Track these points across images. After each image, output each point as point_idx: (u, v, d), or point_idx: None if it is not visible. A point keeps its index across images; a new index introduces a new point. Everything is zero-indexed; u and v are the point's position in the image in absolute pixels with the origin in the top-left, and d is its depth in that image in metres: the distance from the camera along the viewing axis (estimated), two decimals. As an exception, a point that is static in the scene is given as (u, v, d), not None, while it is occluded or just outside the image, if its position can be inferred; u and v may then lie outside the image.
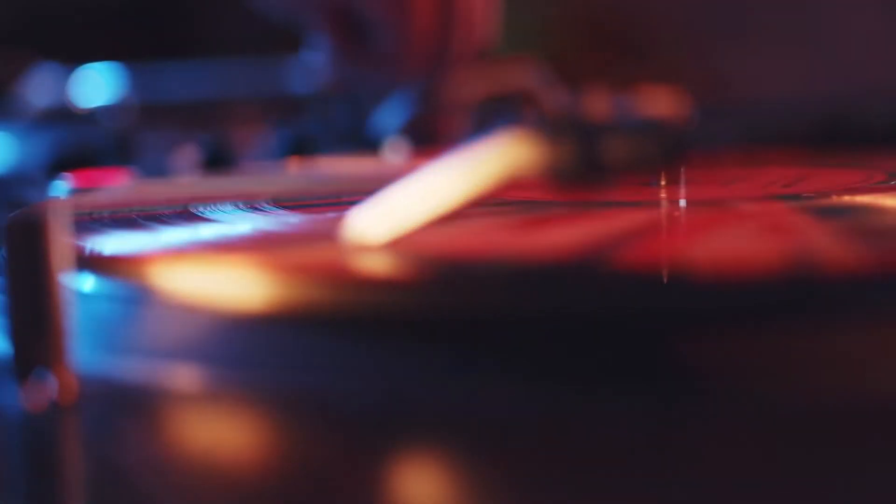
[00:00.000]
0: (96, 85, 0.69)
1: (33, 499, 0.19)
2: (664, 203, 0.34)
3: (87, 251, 0.27)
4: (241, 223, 0.32)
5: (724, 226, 0.30)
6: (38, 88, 0.68)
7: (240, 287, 0.23)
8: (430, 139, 0.57)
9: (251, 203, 0.34)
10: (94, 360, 0.24)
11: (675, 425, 0.21)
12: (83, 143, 0.50)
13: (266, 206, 0.34)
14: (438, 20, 0.63)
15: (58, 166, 0.46)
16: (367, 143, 0.57)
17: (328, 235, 0.27)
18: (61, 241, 0.23)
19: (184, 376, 0.23)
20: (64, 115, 0.70)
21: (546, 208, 0.32)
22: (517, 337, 0.22)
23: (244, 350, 0.23)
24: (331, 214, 0.31)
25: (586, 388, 0.22)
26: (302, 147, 0.54)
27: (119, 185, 0.42)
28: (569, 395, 0.22)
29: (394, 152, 0.56)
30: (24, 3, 1.11)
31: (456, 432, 0.21)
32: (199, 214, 0.33)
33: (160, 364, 0.24)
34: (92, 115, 0.69)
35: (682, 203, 0.34)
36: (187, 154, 0.52)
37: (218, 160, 0.50)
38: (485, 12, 0.65)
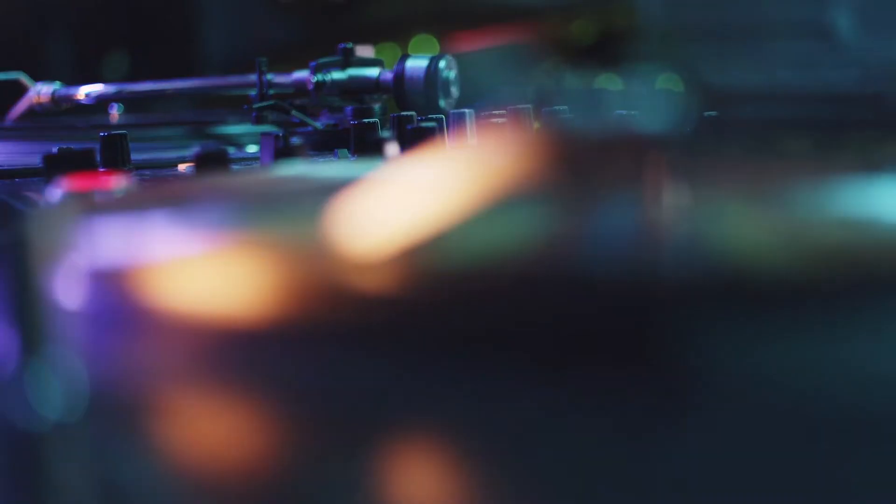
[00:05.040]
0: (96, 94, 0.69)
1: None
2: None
3: (85, 257, 0.27)
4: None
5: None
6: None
7: (234, 296, 0.23)
8: None
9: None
10: (90, 370, 0.24)
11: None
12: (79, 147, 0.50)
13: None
14: None
15: (54, 169, 0.46)
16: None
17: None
18: (57, 247, 0.23)
19: (181, 385, 0.23)
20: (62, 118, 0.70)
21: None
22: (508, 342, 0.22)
23: (239, 358, 0.23)
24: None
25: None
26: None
27: (113, 188, 0.42)
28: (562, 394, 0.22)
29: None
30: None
31: (453, 434, 0.21)
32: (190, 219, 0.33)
33: (156, 373, 0.24)
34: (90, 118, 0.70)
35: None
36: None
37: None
38: None
